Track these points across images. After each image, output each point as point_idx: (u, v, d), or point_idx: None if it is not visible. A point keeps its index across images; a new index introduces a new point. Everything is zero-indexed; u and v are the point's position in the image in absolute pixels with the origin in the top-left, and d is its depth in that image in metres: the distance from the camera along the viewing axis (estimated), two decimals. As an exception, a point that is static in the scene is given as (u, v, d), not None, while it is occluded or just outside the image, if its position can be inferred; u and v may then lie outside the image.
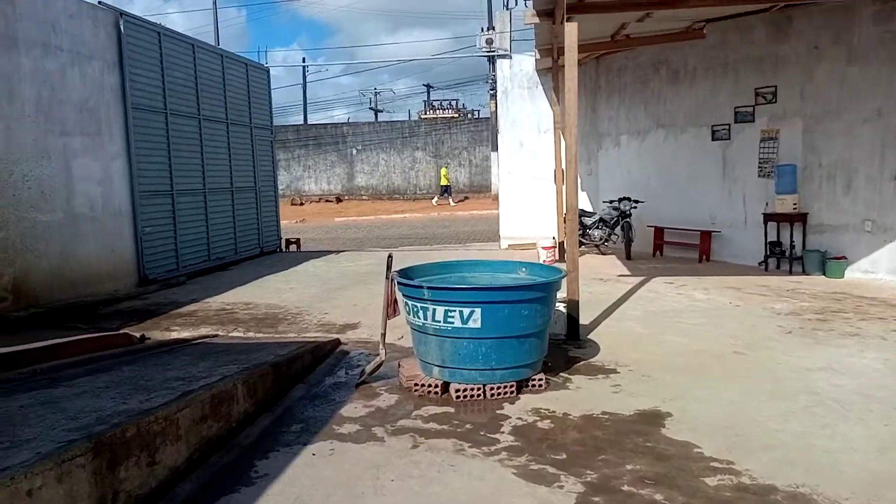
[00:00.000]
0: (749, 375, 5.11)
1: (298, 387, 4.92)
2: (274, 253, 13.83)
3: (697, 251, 10.87)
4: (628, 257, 11.27)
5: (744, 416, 4.26)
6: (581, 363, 5.49)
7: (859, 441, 3.85)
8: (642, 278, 9.34)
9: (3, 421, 3.15)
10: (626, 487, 3.32)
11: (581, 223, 12.07)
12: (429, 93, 48.81)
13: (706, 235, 10.77)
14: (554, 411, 4.41)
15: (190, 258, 10.75)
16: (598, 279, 9.34)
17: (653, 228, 11.66)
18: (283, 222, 15.19)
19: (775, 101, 9.78)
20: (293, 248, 14.70)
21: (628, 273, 9.90)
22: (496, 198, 32.33)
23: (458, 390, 4.64)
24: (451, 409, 4.49)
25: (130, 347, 5.52)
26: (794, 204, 9.42)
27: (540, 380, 4.84)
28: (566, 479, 3.43)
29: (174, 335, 6.69)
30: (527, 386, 4.82)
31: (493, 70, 30.31)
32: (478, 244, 16.13)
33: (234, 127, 12.45)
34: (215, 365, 4.62)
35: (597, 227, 11.83)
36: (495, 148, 33.91)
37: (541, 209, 12.74)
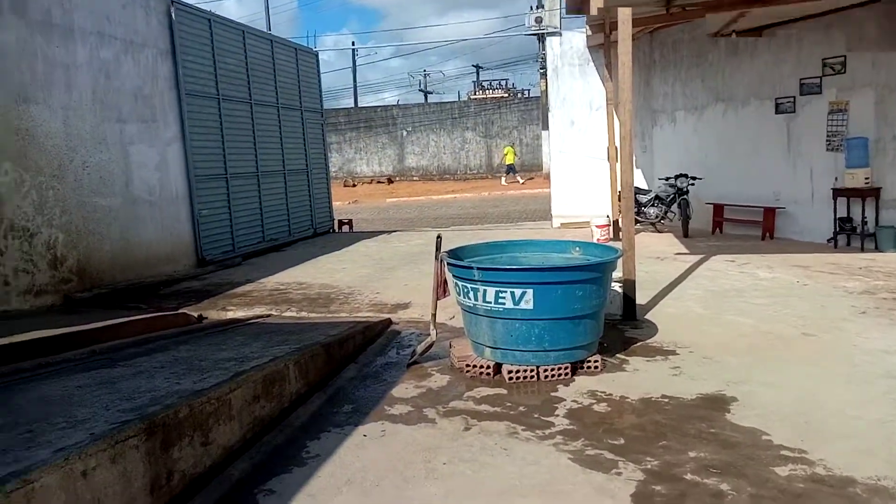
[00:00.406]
0: (821, 358, 4.83)
1: (350, 367, 4.90)
2: (327, 234, 13.96)
3: (760, 228, 10.41)
4: (686, 235, 10.88)
5: (816, 402, 4.01)
6: (638, 344, 5.30)
7: (946, 430, 3.56)
8: (701, 256, 8.99)
9: (62, 401, 3.21)
10: (689, 476, 3.16)
11: (636, 201, 11.70)
12: (478, 73, 48.33)
13: (770, 212, 10.29)
14: (611, 394, 4.26)
15: (245, 239, 10.93)
16: (655, 258, 9.03)
17: (711, 206, 11.22)
18: (335, 203, 15.30)
19: (844, 72, 9.19)
20: (345, 228, 14.81)
21: (686, 251, 9.54)
22: (547, 176, 31.92)
23: (510, 372, 4.54)
24: (504, 391, 4.39)
25: (188, 327, 5.62)
26: (866, 178, 8.88)
27: (595, 361, 4.69)
28: (625, 465, 3.29)
29: (230, 315, 6.79)
30: (582, 368, 4.67)
31: (543, 48, 29.64)
32: (529, 223, 15.89)
33: (285, 110, 12.54)
34: (267, 345, 4.63)
35: (652, 205, 11.46)
36: (546, 127, 33.28)
37: (593, 187, 12.42)
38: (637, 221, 11.71)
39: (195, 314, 6.64)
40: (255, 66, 11.49)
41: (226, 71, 10.64)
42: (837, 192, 9.21)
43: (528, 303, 4.36)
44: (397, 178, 36.05)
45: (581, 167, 12.81)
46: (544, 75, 32.55)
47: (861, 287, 6.91)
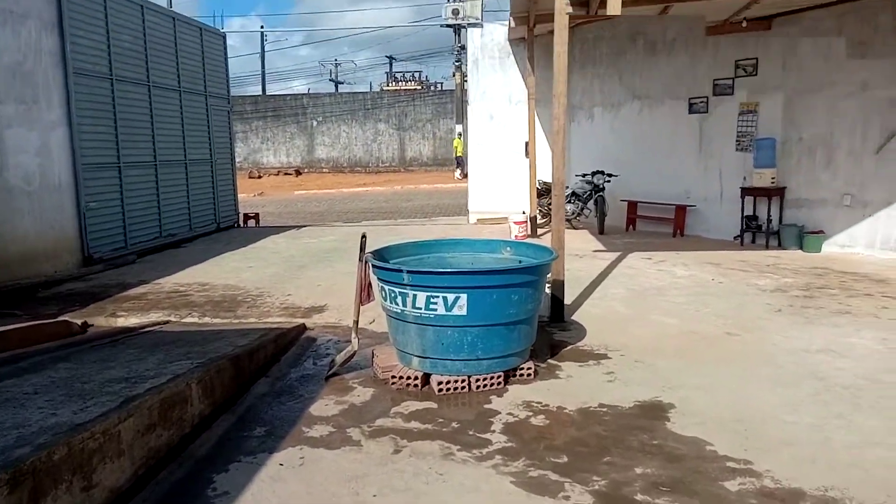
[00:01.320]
0: (746, 359, 4.81)
1: (261, 381, 4.42)
2: (231, 228, 13.12)
3: (671, 226, 10.64)
4: (601, 232, 10.97)
5: (750, 407, 3.94)
6: (568, 348, 5.12)
7: (880, 434, 3.55)
8: (619, 254, 9.03)
9: None
10: (639, 496, 2.95)
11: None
12: (391, 64, 47.66)
13: (681, 210, 10.53)
14: (547, 405, 4.02)
15: (140, 235, 10.01)
16: (574, 255, 8.97)
17: (626, 203, 11.37)
18: (240, 196, 14.44)
19: (755, 74, 9.49)
20: (251, 223, 14.01)
21: (604, 248, 9.58)
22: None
23: (440, 383, 4.21)
24: (434, 405, 4.06)
25: (69, 339, 4.92)
26: (773, 178, 9.21)
27: (529, 369, 4.45)
28: (571, 487, 3.05)
29: (120, 322, 6.07)
30: (514, 375, 4.42)
31: (460, 41, 29.41)
32: (444, 218, 15.68)
33: (188, 95, 11.62)
34: (166, 360, 4.08)
35: (569, 202, 11.47)
36: (460, 120, 33.28)
37: (510, 183, 12.32)
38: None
39: (79, 321, 5.87)
40: (154, 46, 10.53)
41: (121, 49, 9.66)
42: (745, 191, 9.51)
43: (461, 308, 4.05)
44: (306, 170, 34.95)
45: (498, 162, 12.68)
46: (459, 68, 32.51)
47: (772, 284, 7.09)
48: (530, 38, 10.07)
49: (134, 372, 3.77)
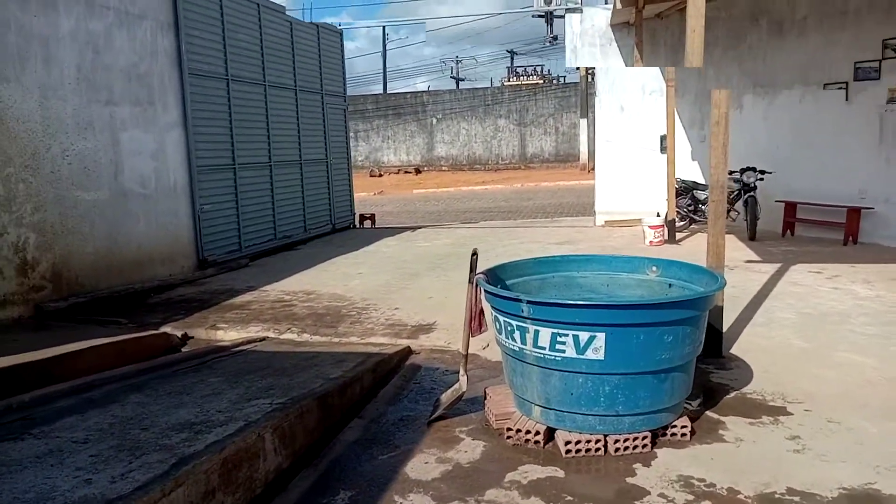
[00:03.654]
0: None
1: (353, 423, 3.75)
2: (346, 230, 12.86)
3: (840, 231, 8.99)
4: (752, 238, 9.50)
5: None
6: (731, 395, 4.05)
7: None
8: (778, 265, 7.64)
9: None
10: None
11: (692, 197, 10.40)
12: (512, 59, 46.70)
13: (854, 212, 8.86)
14: (713, 484, 3.02)
15: (254, 237, 9.86)
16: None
17: (783, 204, 9.80)
18: (360, 194, 14.24)
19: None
20: (367, 223, 13.70)
21: (758, 258, 8.19)
22: (584, 167, 30.37)
23: (568, 442, 3.33)
24: (560, 472, 3.19)
25: (154, 362, 4.51)
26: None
27: (684, 428, 3.46)
28: None
29: (220, 334, 5.70)
30: (663, 435, 3.45)
31: (552, 31, 28.13)
32: (568, 219, 14.57)
33: (304, 94, 11.42)
34: (244, 396, 3.50)
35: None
36: (584, 115, 31.73)
37: (642, 182, 11.08)
38: (693, 220, 10.40)
39: (179, 333, 5.56)
40: (270, 44, 10.37)
41: (237, 49, 9.53)
42: (944, 192, 7.77)
43: (597, 351, 3.14)
44: (426, 168, 34.84)
45: (630, 158, 11.45)
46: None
47: None
48: (639, 21, 8.69)
49: (204, 413, 3.21)
